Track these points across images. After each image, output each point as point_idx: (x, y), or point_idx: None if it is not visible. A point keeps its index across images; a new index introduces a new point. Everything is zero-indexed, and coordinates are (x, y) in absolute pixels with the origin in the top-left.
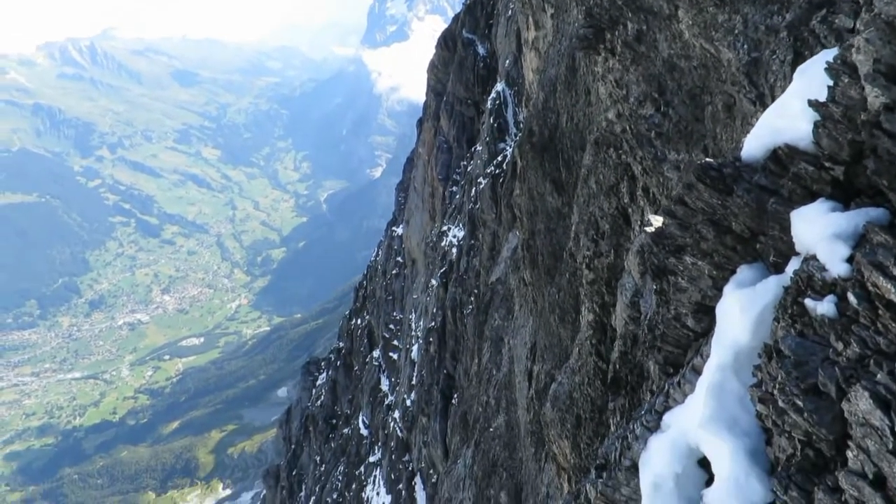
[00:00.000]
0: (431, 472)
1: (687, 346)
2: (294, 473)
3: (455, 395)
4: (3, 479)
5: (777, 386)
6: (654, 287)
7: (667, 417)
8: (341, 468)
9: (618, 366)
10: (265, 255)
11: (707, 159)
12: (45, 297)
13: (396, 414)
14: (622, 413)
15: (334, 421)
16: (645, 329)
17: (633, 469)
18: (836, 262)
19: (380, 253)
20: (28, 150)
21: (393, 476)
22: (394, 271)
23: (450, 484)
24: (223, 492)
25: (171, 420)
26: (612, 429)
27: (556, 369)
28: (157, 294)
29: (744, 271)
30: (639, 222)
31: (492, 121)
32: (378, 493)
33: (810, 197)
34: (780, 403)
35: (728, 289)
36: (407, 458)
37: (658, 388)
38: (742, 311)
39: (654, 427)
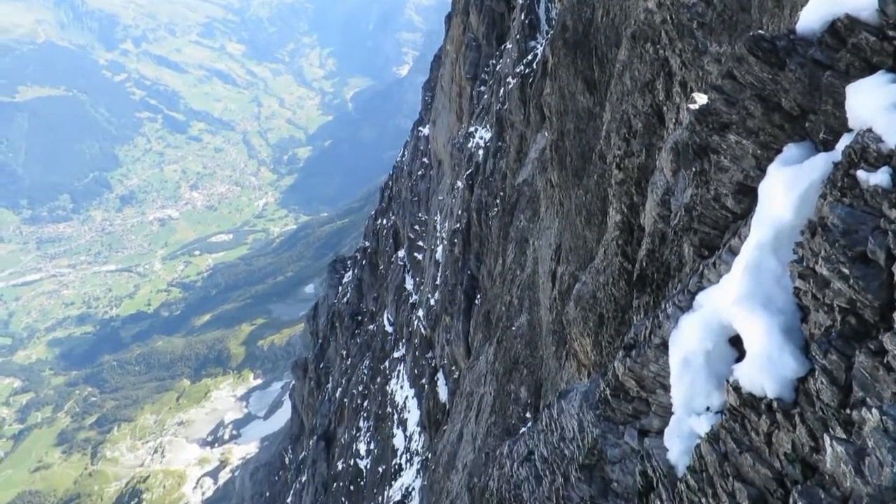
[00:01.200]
0: (454, 368)
1: (724, 227)
2: (321, 366)
3: (478, 296)
4: (47, 363)
5: (821, 258)
6: (695, 168)
7: (700, 297)
8: (367, 362)
9: (644, 263)
10: (291, 154)
11: (759, 31)
12: (77, 192)
13: (420, 312)
14: (646, 311)
15: (360, 317)
16: (682, 211)
17: (663, 347)
18: (894, 133)
19: (406, 153)
20: (53, 43)
21: (416, 371)
22: (419, 172)
23: (471, 379)
24: (254, 381)
25: (202, 313)
26: None
27: (580, 270)
28: (185, 190)
29: (790, 150)
30: (673, 120)
31: (523, 17)
32: (402, 387)
33: (869, 70)
34: (825, 272)
35: (772, 167)
36: (430, 354)
37: (692, 270)
38: (786, 188)
39: (687, 306)
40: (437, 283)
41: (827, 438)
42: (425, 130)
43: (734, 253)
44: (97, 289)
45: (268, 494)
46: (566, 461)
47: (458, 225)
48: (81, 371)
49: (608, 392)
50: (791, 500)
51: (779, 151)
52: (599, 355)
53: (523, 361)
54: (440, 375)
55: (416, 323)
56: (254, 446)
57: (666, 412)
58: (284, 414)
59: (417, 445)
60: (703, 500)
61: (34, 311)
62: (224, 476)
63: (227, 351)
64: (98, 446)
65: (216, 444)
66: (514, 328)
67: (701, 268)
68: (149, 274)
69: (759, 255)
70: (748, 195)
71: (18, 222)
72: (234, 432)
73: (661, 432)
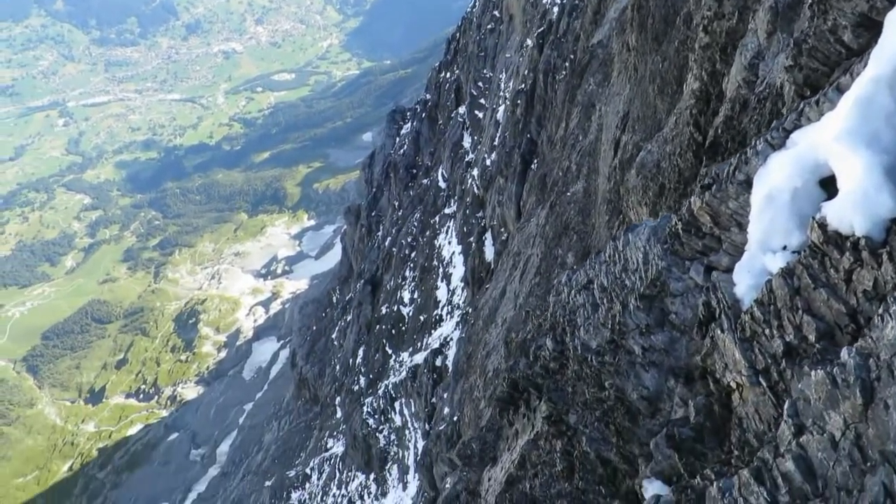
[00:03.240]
0: (502, 230)
1: (835, 63)
2: (373, 214)
3: (535, 160)
4: (114, 184)
5: None
6: None
7: (795, 135)
8: (417, 216)
9: (720, 131)
10: None
11: None
12: (144, 16)
13: (475, 171)
14: None
15: (415, 170)
16: (790, 45)
17: (746, 184)
18: None
19: (476, 4)
20: None
21: (465, 229)
22: (489, 26)
23: (520, 239)
24: (308, 222)
25: (262, 150)
26: None
27: (645, 141)
28: (250, 24)
29: None
30: None
31: None
32: (450, 243)
33: None
34: None
35: None
36: (480, 214)
37: (789, 109)
38: None
39: (780, 144)
40: (495, 143)
41: None
42: None
43: (841, 91)
44: (162, 116)
45: (314, 328)
46: (626, 291)
47: (522, 85)
48: (146, 195)
49: (680, 227)
50: (882, 309)
51: None
52: None
53: (574, 228)
54: (488, 235)
55: (469, 182)
56: (304, 283)
57: (737, 251)
58: (334, 256)
59: (459, 300)
60: (767, 331)
61: (102, 133)
62: (275, 307)
63: (283, 190)
64: (160, 267)
65: (269, 277)
66: (568, 194)
67: (801, 106)
68: (211, 106)
69: (873, 90)
70: (869, 29)
71: (87, 42)
72: (287, 268)
73: (728, 270)
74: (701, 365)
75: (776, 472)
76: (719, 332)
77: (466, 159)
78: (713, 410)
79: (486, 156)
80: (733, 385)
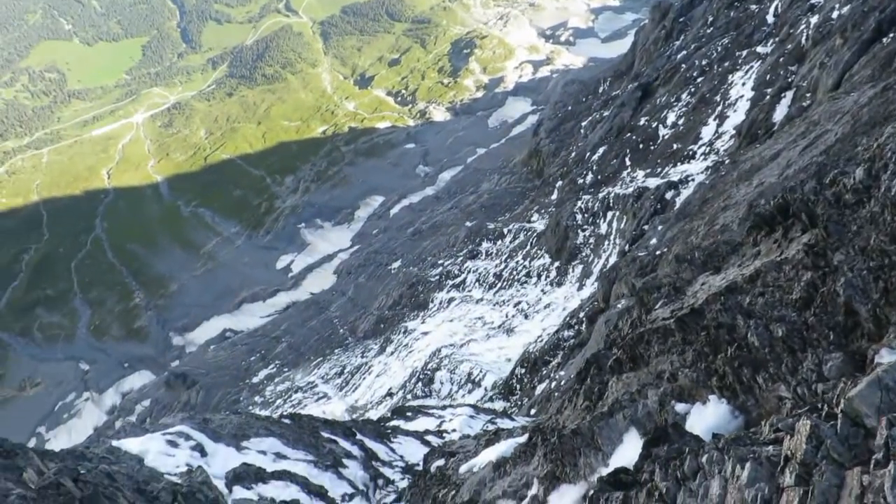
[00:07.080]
0: (808, 94)
1: None
2: (681, 20)
3: (892, 34)
4: None
5: None
6: None
7: None
8: (725, 41)
9: None
10: None
11: None
12: None
13: (814, 19)
14: None
15: None
16: None
17: None
18: None
19: None
20: None
21: (768, 77)
22: None
23: (825, 111)
24: (612, 1)
25: None
26: None
27: None
28: None
29: None
30: None
31: None
32: (743, 85)
33: None
34: None
35: None
36: (794, 68)
37: None
38: None
39: None
40: None
41: None
42: None
43: None
44: None
45: (569, 108)
46: None
47: None
48: None
49: None
50: None
51: None
52: None
53: None
54: (788, 94)
55: (801, 28)
56: (580, 60)
57: None
58: (621, 46)
59: (722, 146)
60: None
61: None
62: (543, 72)
63: None
64: None
65: (550, 41)
66: None
67: None
68: None
69: None
70: None
71: None
72: (571, 39)
73: None
74: None
75: None
76: None
77: (811, 1)
78: None
79: (836, 6)
80: None
